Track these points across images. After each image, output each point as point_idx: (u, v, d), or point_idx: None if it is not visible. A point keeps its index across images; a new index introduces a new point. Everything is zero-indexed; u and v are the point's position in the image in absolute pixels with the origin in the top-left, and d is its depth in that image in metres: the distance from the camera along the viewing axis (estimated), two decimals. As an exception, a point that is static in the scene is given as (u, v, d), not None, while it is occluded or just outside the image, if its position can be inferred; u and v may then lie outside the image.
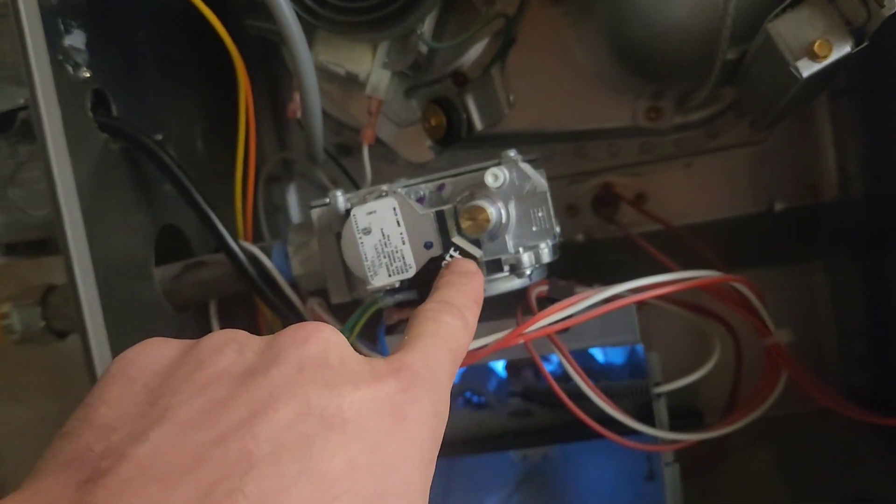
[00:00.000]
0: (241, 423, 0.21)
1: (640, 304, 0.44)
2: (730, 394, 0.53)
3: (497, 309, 0.41)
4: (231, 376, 0.22)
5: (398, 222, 0.37)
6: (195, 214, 0.41)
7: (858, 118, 0.55)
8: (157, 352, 0.24)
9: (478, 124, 0.54)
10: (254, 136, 0.45)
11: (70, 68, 0.37)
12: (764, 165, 0.60)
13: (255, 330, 0.44)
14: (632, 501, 0.58)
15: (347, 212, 0.38)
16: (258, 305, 0.51)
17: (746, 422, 0.46)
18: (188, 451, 0.20)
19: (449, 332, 0.28)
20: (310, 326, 0.24)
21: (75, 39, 0.38)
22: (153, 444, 0.20)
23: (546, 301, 0.41)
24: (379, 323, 0.40)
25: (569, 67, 0.56)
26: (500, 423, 0.53)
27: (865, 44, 0.36)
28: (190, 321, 0.46)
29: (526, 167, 0.38)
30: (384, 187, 0.38)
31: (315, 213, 0.41)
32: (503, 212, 0.38)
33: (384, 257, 0.37)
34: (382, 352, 0.40)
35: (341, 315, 0.41)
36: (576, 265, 0.44)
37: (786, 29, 0.37)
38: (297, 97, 0.48)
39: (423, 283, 0.37)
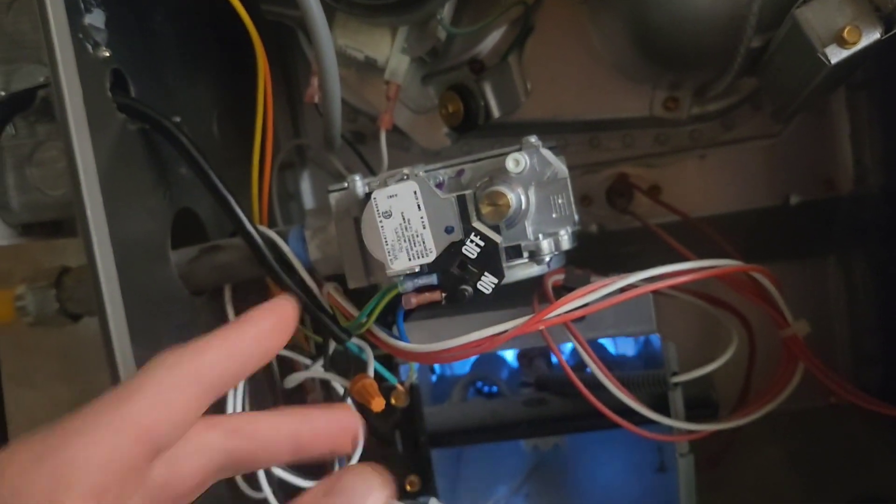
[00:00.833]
0: None
1: (654, 295, 0.43)
2: (742, 386, 0.53)
3: (511, 298, 0.41)
4: None
5: (419, 206, 0.37)
6: (213, 198, 0.41)
7: (875, 112, 0.55)
8: None
9: (495, 112, 0.54)
10: (271, 120, 0.45)
11: (90, 47, 0.37)
12: (779, 158, 0.59)
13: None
14: (642, 493, 0.58)
15: (367, 196, 0.38)
16: (272, 291, 0.51)
17: (762, 413, 0.45)
18: None
19: None
20: None
21: (95, 18, 0.37)
22: None
23: (562, 290, 0.41)
24: (397, 308, 0.39)
25: (586, 56, 0.55)
26: (514, 412, 0.53)
27: (894, 31, 0.36)
28: (205, 306, 0.45)
29: (547, 153, 0.38)
30: (405, 171, 0.38)
31: (333, 198, 0.41)
32: (523, 198, 0.37)
33: (404, 241, 0.37)
34: (401, 337, 0.39)
35: (357, 300, 0.41)
36: (589, 256, 0.43)
37: (814, 15, 0.36)
38: (314, 81, 0.47)
39: (443, 267, 0.37)
